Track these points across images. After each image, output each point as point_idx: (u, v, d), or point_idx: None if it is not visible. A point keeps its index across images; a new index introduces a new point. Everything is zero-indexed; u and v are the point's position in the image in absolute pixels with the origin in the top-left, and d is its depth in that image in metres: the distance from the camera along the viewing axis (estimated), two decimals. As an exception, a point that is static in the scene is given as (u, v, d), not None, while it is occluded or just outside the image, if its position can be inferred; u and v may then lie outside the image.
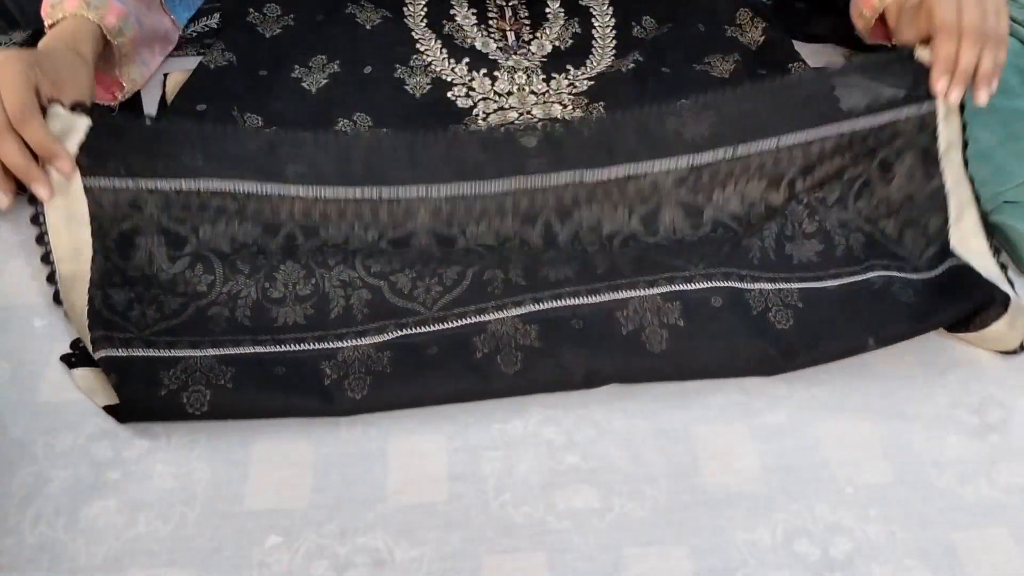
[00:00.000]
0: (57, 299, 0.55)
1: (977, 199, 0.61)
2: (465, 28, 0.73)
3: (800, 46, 0.83)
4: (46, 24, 0.62)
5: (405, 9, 0.73)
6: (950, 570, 0.45)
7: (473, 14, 0.73)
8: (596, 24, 0.75)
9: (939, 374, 0.55)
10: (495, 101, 0.70)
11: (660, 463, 0.50)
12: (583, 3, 0.76)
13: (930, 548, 0.46)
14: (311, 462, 0.49)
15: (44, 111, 0.54)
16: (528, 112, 0.69)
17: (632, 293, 0.54)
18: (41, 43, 0.60)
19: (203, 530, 0.46)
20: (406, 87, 0.70)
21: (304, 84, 0.70)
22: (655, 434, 0.51)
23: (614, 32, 0.75)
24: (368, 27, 0.72)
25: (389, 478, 0.49)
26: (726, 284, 0.54)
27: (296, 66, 0.71)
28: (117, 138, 0.56)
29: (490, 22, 0.73)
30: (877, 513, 0.48)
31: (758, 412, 0.52)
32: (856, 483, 0.49)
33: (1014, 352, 0.56)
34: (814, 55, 0.82)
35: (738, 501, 0.48)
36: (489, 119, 0.68)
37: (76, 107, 0.56)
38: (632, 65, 0.72)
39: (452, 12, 0.73)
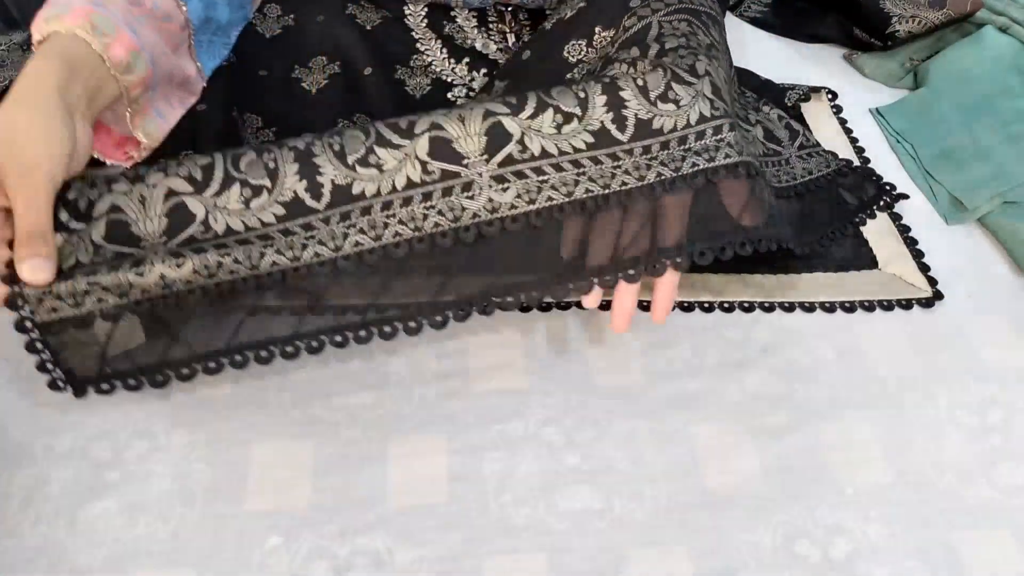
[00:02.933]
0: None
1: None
2: (466, 29, 0.73)
3: (800, 46, 0.83)
4: (35, 40, 0.45)
5: (405, 9, 0.73)
6: (950, 571, 0.45)
7: (474, 16, 0.73)
8: None
9: (939, 374, 0.55)
10: None
11: (660, 464, 0.50)
12: None
13: (930, 549, 0.46)
14: (311, 463, 0.49)
15: None
16: None
17: None
18: (18, 79, 0.43)
19: (203, 531, 0.46)
20: (406, 88, 0.70)
21: (304, 84, 0.70)
22: (655, 434, 0.51)
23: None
24: (368, 27, 0.72)
25: (389, 479, 0.49)
26: None
27: (296, 66, 0.71)
28: None
29: (490, 24, 0.73)
30: (877, 514, 0.48)
31: (758, 412, 0.52)
32: (856, 484, 0.49)
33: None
34: (814, 55, 0.82)
35: (738, 502, 0.48)
36: None
37: None
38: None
39: (453, 13, 0.73)
